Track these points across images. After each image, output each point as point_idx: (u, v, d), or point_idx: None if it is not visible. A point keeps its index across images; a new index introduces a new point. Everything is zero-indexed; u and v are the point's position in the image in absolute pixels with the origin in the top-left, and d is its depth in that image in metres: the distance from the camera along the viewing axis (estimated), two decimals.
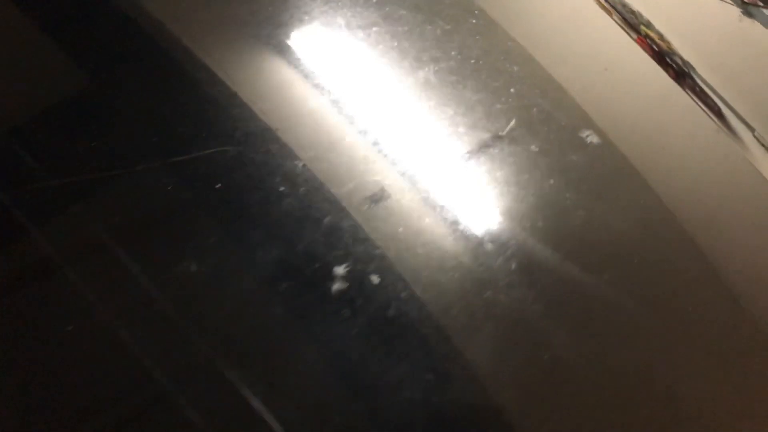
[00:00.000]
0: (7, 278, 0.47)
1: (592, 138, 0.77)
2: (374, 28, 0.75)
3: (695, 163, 0.88)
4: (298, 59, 0.68)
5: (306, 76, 0.66)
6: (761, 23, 1.37)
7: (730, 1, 1.24)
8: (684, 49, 1.03)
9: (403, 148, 0.65)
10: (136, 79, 0.60)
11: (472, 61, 0.77)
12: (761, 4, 1.23)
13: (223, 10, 0.69)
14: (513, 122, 0.67)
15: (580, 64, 0.89)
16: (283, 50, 0.67)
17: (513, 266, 0.59)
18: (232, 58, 0.65)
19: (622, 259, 0.69)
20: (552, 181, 0.68)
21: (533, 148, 0.70)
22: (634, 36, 0.99)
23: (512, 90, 0.76)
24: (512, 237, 0.62)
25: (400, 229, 0.58)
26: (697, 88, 0.99)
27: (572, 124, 0.77)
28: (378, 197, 0.59)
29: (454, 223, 0.60)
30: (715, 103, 0.99)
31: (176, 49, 0.63)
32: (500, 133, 0.66)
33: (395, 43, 0.74)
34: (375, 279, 0.54)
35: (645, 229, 0.74)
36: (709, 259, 0.79)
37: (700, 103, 0.97)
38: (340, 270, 0.53)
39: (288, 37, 0.69)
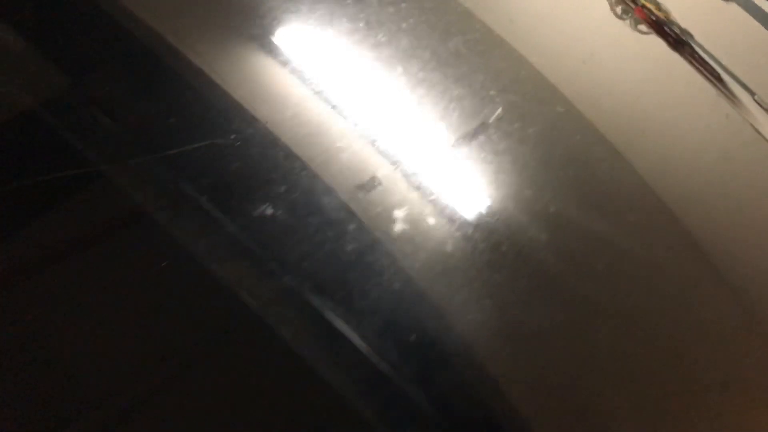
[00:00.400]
0: (108, 223, 0.52)
1: (608, 101, 0.82)
2: (403, 5, 0.80)
3: (699, 123, 0.94)
4: (339, 34, 0.72)
5: (348, 46, 0.71)
6: (739, 5, 1.43)
7: None
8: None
9: (441, 111, 0.70)
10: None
11: (495, 33, 0.82)
12: None
13: None
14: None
15: (591, 37, 0.94)
16: (322, 26, 0.72)
17: (551, 209, 0.64)
18: (271, 27, 0.68)
19: (642, 206, 0.74)
20: (578, 137, 0.73)
21: (559, 108, 0.76)
22: (633, 6, 1.05)
23: (533, 60, 0.82)
24: (548, 184, 0.67)
25: (450, 179, 0.63)
26: (696, 55, 1.05)
27: (590, 88, 0.83)
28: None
29: (496, 173, 0.65)
30: (714, 69, 1.05)
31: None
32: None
33: (423, 17, 0.79)
34: (431, 221, 0.59)
35: (659, 182, 0.79)
36: (716, 211, 0.85)
37: (700, 69, 1.03)
38: (399, 213, 0.58)
39: (324, 13, 0.74)
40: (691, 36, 1.09)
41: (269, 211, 0.55)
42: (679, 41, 1.04)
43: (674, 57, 1.02)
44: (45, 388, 0.44)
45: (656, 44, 1.05)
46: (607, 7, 1.04)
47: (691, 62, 1.03)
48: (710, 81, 1.02)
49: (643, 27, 1.02)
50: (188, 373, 0.48)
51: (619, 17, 1.02)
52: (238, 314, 0.50)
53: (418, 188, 0.61)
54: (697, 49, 1.05)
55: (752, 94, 1.06)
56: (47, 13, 0.62)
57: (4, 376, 0.44)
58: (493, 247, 0.60)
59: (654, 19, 1.05)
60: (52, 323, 0.47)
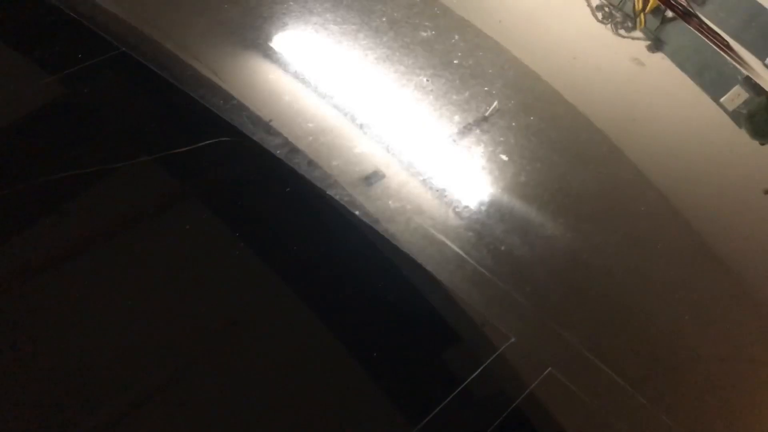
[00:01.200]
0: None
1: (597, 92, 0.90)
2: None
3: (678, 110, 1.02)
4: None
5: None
6: None
7: None
8: None
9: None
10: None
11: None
12: None
13: None
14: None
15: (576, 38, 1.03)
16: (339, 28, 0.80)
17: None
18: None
19: (633, 186, 0.80)
20: (572, 126, 0.82)
21: (552, 100, 0.84)
22: None
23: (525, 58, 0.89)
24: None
25: (501, 138, 0.71)
26: (704, 26, 1.14)
27: (580, 81, 0.92)
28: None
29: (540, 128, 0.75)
30: (723, 38, 1.15)
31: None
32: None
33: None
34: (504, 157, 0.68)
35: (649, 164, 0.84)
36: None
37: (710, 37, 1.12)
38: (476, 151, 0.67)
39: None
40: (699, 7, 1.18)
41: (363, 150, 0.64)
42: (687, 13, 1.14)
43: (652, 55, 1.09)
44: (50, 387, 0.45)
45: (635, 45, 1.12)
46: (589, 13, 1.12)
47: (700, 32, 1.12)
48: (721, 49, 1.12)
49: (622, 31, 1.11)
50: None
51: (600, 21, 1.11)
52: (346, 223, 0.58)
53: (487, 134, 0.70)
54: (704, 19, 1.15)
55: (762, 58, 1.16)
56: (48, 17, 0.67)
57: (6, 375, 0.45)
58: (558, 178, 0.69)
59: None
60: (57, 321, 0.49)
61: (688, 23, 1.12)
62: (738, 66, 1.09)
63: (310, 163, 0.61)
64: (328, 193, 0.60)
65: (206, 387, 0.48)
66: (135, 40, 0.67)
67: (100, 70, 0.64)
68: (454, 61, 0.78)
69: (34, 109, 0.61)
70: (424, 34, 0.80)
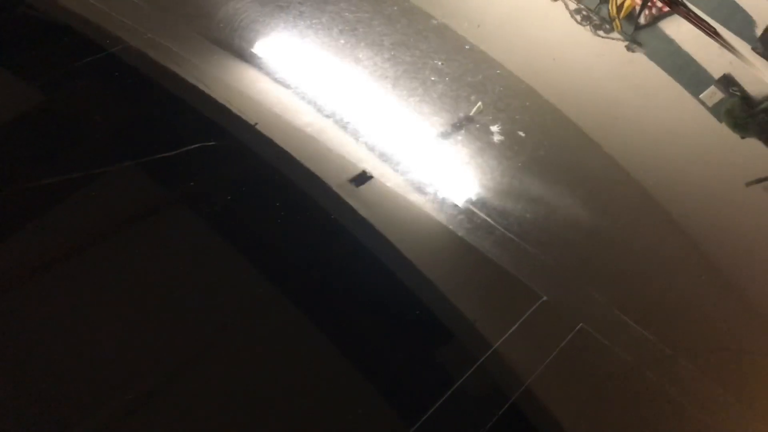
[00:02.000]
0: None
1: (578, 92, 0.93)
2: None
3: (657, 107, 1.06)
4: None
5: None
6: None
7: None
8: None
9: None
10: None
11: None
12: None
13: None
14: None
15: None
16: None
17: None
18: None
19: (613, 182, 0.83)
20: (554, 124, 0.86)
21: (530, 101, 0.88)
22: None
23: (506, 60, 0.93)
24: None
25: (517, 116, 0.76)
26: (691, 14, 1.20)
27: (561, 81, 0.95)
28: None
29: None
30: (711, 26, 1.20)
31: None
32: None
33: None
34: (521, 134, 0.72)
35: (628, 160, 0.88)
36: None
37: (698, 25, 1.18)
38: (495, 128, 0.71)
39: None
40: None
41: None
42: (674, 2, 1.20)
43: (630, 55, 1.13)
44: (49, 388, 0.46)
45: (613, 45, 1.15)
46: (568, 16, 1.15)
47: (688, 19, 1.18)
48: (709, 36, 1.17)
49: (601, 32, 1.16)
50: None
51: (579, 24, 1.16)
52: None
53: (505, 108, 0.74)
54: (691, 7, 1.21)
55: (751, 44, 1.22)
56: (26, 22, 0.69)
57: (5, 375, 0.46)
58: (568, 148, 0.74)
59: None
60: (55, 323, 0.49)
61: (676, 12, 1.17)
62: (727, 51, 1.14)
63: (337, 133, 0.65)
64: (358, 165, 0.63)
65: (201, 389, 0.49)
66: (122, 41, 0.68)
67: (82, 75, 0.65)
68: (466, 47, 0.82)
69: (16, 115, 0.62)
70: (435, 21, 0.84)
